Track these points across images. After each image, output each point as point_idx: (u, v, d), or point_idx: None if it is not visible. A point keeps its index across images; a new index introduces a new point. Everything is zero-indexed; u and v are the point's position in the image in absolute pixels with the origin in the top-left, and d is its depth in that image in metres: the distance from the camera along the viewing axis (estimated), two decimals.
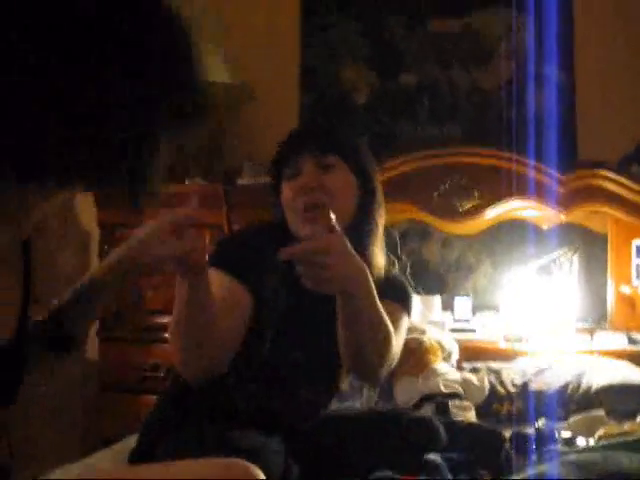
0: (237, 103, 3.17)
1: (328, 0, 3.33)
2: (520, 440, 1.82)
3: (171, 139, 0.96)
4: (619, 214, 2.75)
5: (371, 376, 1.68)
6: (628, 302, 2.83)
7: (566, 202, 2.74)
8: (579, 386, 2.33)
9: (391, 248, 1.87)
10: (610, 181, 2.71)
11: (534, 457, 1.75)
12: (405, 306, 1.76)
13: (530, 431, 1.91)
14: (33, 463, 1.56)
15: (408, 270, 2.95)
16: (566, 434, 1.92)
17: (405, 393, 2.31)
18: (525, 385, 2.35)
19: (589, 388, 2.31)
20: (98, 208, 2.77)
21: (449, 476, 1.56)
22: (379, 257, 1.72)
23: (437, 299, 2.96)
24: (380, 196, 1.74)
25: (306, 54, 3.34)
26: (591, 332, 2.76)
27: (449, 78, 3.22)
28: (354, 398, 2.32)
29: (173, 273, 1.34)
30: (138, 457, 1.56)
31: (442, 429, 1.64)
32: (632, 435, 1.81)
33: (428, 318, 2.83)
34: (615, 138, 2.93)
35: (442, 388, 2.28)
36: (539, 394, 2.31)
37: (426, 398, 2.27)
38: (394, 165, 2.77)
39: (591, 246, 2.97)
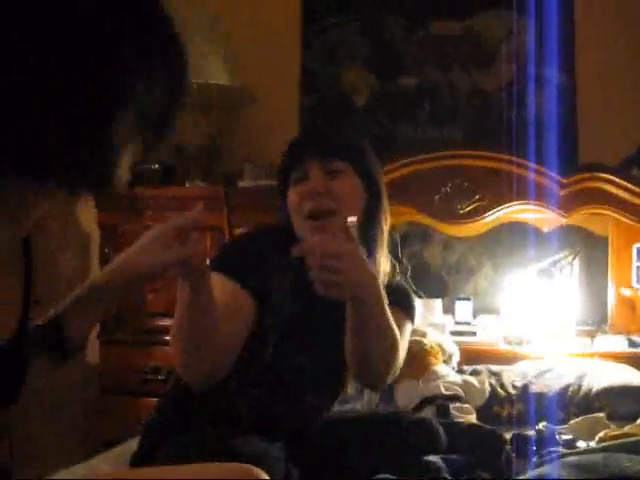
0: (237, 105, 3.17)
1: (328, 2, 3.33)
2: (521, 442, 1.82)
3: (142, 140, 0.96)
4: (620, 217, 2.75)
5: (376, 383, 1.69)
6: (629, 305, 2.83)
7: (567, 205, 2.74)
8: (580, 388, 2.33)
9: (392, 251, 1.87)
10: (611, 184, 2.71)
11: (535, 459, 1.74)
12: (409, 314, 1.76)
13: (531, 433, 1.91)
14: (34, 464, 1.56)
15: (409, 273, 2.95)
16: (567, 436, 1.92)
17: (406, 395, 2.31)
18: (526, 387, 2.35)
19: (590, 390, 2.30)
20: (98, 210, 2.78)
21: (450, 478, 1.56)
22: (384, 263, 1.72)
23: (438, 302, 2.96)
24: (385, 200, 1.74)
25: (306, 56, 3.34)
26: (591, 335, 2.77)
27: (449, 80, 3.22)
28: (355, 400, 2.32)
29: (175, 277, 1.33)
30: (139, 460, 1.56)
31: (442, 431, 1.64)
32: (633, 437, 1.81)
33: (429, 321, 2.83)
34: (616, 141, 2.93)
35: (443, 390, 2.27)
36: (540, 396, 2.31)
37: (427, 400, 2.26)
38: (394, 167, 2.77)
39: (592, 249, 2.96)
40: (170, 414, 1.58)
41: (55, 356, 1.21)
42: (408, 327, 1.75)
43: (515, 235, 2.98)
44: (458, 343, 2.63)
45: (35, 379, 1.13)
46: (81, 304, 1.25)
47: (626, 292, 2.81)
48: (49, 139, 0.85)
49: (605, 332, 2.78)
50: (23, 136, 0.84)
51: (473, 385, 2.34)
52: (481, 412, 2.26)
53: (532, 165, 2.72)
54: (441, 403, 2.21)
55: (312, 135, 1.81)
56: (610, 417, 2.09)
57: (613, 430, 1.94)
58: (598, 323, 2.87)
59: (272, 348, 1.59)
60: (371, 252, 1.66)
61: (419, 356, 2.39)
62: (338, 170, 1.65)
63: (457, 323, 2.94)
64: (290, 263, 1.61)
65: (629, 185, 2.69)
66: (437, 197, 2.82)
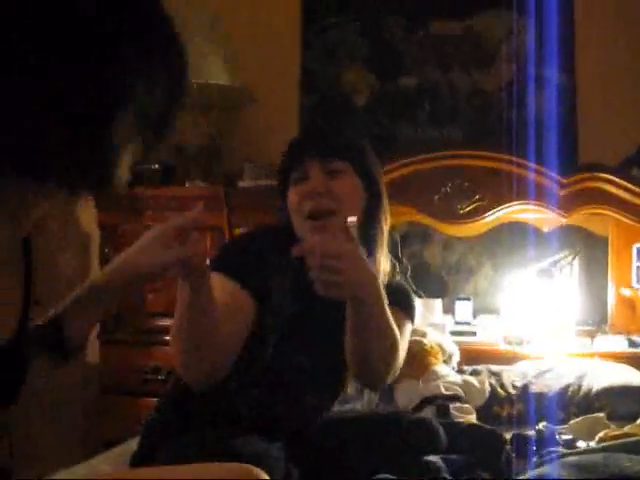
0: (237, 105, 3.17)
1: (328, 2, 3.33)
2: (520, 442, 1.82)
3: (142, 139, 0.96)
4: (620, 217, 2.75)
5: (376, 383, 1.69)
6: (629, 305, 2.83)
7: (567, 205, 2.74)
8: (580, 388, 2.33)
9: (392, 251, 1.86)
10: (611, 184, 2.71)
11: (534, 459, 1.74)
12: (409, 314, 1.76)
13: (531, 433, 1.91)
14: (34, 464, 1.56)
15: (409, 273, 2.95)
16: (567, 436, 1.92)
17: (406, 395, 2.31)
18: (525, 387, 2.35)
19: (590, 390, 2.30)
20: (98, 210, 2.78)
21: (449, 478, 1.56)
22: (384, 263, 1.72)
23: (438, 302, 2.96)
24: (385, 200, 1.74)
25: (306, 56, 3.34)
26: (591, 335, 2.77)
27: (449, 80, 3.22)
28: (355, 400, 2.32)
29: (175, 277, 1.33)
30: (139, 460, 1.56)
31: (442, 431, 1.64)
32: (633, 437, 1.81)
33: (429, 321, 2.83)
34: (616, 141, 2.93)
35: (443, 390, 2.27)
36: (540, 396, 2.31)
37: (427, 400, 2.26)
38: (394, 167, 2.77)
39: (592, 249, 2.97)
40: (170, 414, 1.58)
41: (55, 356, 1.21)
42: (408, 327, 1.75)
43: (515, 235, 2.98)
44: (458, 343, 2.63)
45: (35, 379, 1.13)
46: (81, 304, 1.24)
47: (626, 292, 2.81)
48: (49, 139, 0.85)
49: (605, 332, 2.78)
50: (23, 136, 0.84)
51: (473, 385, 2.34)
52: (481, 412, 2.26)
53: (532, 165, 2.72)
54: (441, 403, 2.21)
55: (312, 135, 1.81)
56: (610, 417, 2.10)
57: (613, 430, 1.94)
58: (598, 323, 2.87)
59: (272, 348, 1.59)
60: (371, 252, 1.66)
61: (419, 356, 2.39)
62: (338, 170, 1.65)
63: (457, 323, 2.94)
64: (290, 263, 1.61)
65: (629, 185, 2.69)
66: (437, 197, 2.82)
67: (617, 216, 2.75)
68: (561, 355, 2.60)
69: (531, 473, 1.61)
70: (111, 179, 0.93)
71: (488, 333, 2.83)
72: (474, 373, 2.46)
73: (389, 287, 1.66)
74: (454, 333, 2.82)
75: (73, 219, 1.41)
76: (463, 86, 3.20)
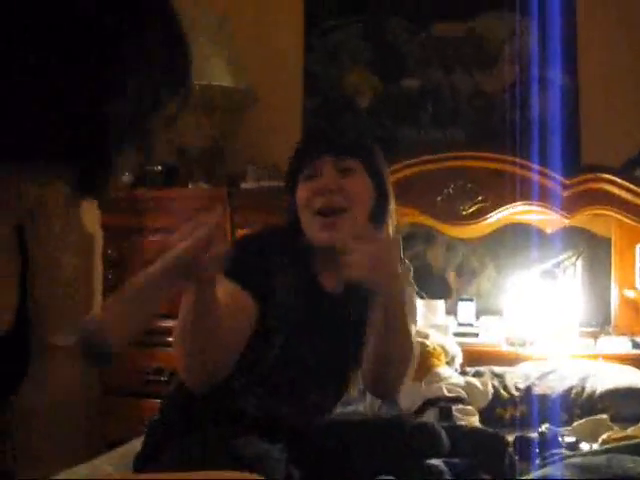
0: (240, 107, 3.17)
1: (330, 5, 3.34)
2: (524, 444, 1.81)
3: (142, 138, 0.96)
4: (623, 218, 2.74)
5: (388, 392, 1.71)
6: (632, 306, 2.82)
7: (570, 206, 2.74)
8: (583, 390, 2.32)
9: None
10: (614, 185, 2.71)
11: (537, 461, 1.74)
12: (413, 318, 1.77)
13: (534, 435, 1.91)
14: (37, 466, 1.56)
15: (411, 274, 2.94)
16: (570, 438, 1.92)
17: (408, 397, 2.30)
18: (529, 389, 2.35)
19: (593, 392, 2.30)
20: (101, 211, 2.78)
21: None
22: None
23: (440, 303, 2.96)
24: (392, 200, 1.74)
25: (309, 59, 3.35)
26: (595, 336, 2.76)
27: (452, 82, 3.22)
28: (358, 402, 2.32)
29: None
30: (142, 462, 1.56)
31: (444, 434, 1.63)
32: (636, 439, 1.81)
33: (431, 322, 2.83)
34: (619, 142, 2.93)
35: (445, 392, 2.27)
36: (543, 398, 2.30)
37: (429, 402, 2.26)
38: (397, 169, 2.77)
39: (595, 250, 2.96)
40: (173, 415, 1.58)
41: (91, 361, 1.21)
42: (413, 330, 1.76)
43: (518, 236, 2.98)
44: (461, 344, 2.63)
45: (38, 375, 1.14)
46: (122, 306, 1.25)
47: (630, 293, 2.81)
48: (46, 129, 0.85)
49: (608, 333, 2.78)
50: (19, 127, 0.84)
51: (476, 387, 2.33)
52: (484, 414, 2.26)
53: (535, 166, 2.72)
54: (444, 405, 2.20)
55: (326, 133, 1.81)
56: (613, 419, 2.09)
57: (616, 432, 1.94)
58: (601, 324, 2.87)
59: (277, 349, 1.59)
60: None
61: (422, 358, 2.39)
62: (350, 168, 1.65)
63: (460, 324, 2.94)
64: (295, 263, 1.61)
65: (632, 186, 2.69)
66: (440, 198, 2.82)
67: (620, 217, 2.75)
68: (564, 356, 2.60)
69: (534, 474, 1.61)
70: (110, 179, 0.93)
71: (491, 334, 2.83)
72: (477, 375, 2.46)
73: None
74: (457, 334, 2.81)
75: (76, 220, 1.41)
76: (465, 88, 3.20)
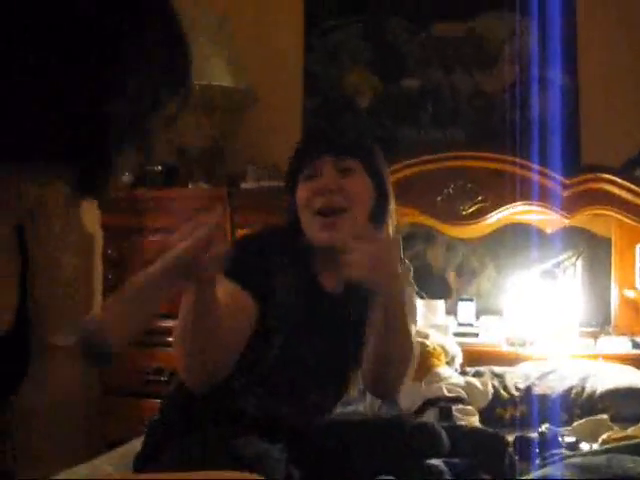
0: (240, 107, 3.17)
1: (330, 5, 3.34)
2: (524, 444, 1.81)
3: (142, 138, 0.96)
4: (623, 218, 2.75)
5: (388, 392, 1.71)
6: (632, 306, 2.82)
7: (570, 206, 2.74)
8: (583, 390, 2.32)
9: None
10: (614, 185, 2.71)
11: (537, 461, 1.74)
12: (413, 318, 1.78)
13: (534, 435, 1.91)
14: (37, 466, 1.56)
15: (411, 274, 2.94)
16: (570, 438, 1.92)
17: (408, 397, 2.30)
18: (529, 389, 2.35)
19: (593, 392, 2.30)
20: (101, 211, 2.78)
21: None
22: None
23: (440, 303, 2.96)
24: (392, 201, 1.74)
25: (308, 59, 3.35)
26: (595, 336, 2.76)
27: (452, 82, 3.22)
28: (357, 402, 2.32)
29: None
30: (143, 462, 1.56)
31: (444, 435, 1.63)
32: (636, 439, 1.81)
33: (431, 322, 2.83)
34: (619, 142, 2.93)
35: (445, 392, 2.27)
36: (543, 398, 2.30)
37: (429, 402, 2.26)
38: (397, 169, 2.77)
39: (595, 250, 2.96)
40: (173, 415, 1.59)
41: (91, 361, 1.21)
42: (412, 329, 1.76)
43: (518, 236, 2.98)
44: (461, 344, 2.63)
45: (38, 375, 1.14)
46: (122, 306, 1.25)
47: (630, 294, 2.81)
48: (48, 135, 0.85)
49: (608, 333, 2.78)
50: (19, 126, 0.84)
51: (476, 387, 2.33)
52: (484, 414, 2.26)
53: (535, 166, 2.72)
54: (444, 405, 2.20)
55: (326, 133, 1.81)
56: (613, 419, 2.09)
57: (616, 432, 1.94)
58: (601, 324, 2.87)
59: (277, 349, 1.59)
60: None
61: (422, 358, 2.39)
62: (350, 168, 1.65)
63: (460, 324, 2.93)
64: (295, 263, 1.61)
65: (632, 186, 2.69)
66: (440, 198, 2.82)
67: (620, 217, 2.75)
68: (564, 356, 2.60)
69: (534, 474, 1.61)
70: (109, 178, 0.93)
71: (490, 334, 2.83)
72: (477, 375, 2.46)
73: None
74: (457, 334, 2.81)
75: (76, 220, 1.41)
76: (465, 88, 3.20)
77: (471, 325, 2.92)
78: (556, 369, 2.45)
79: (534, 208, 2.78)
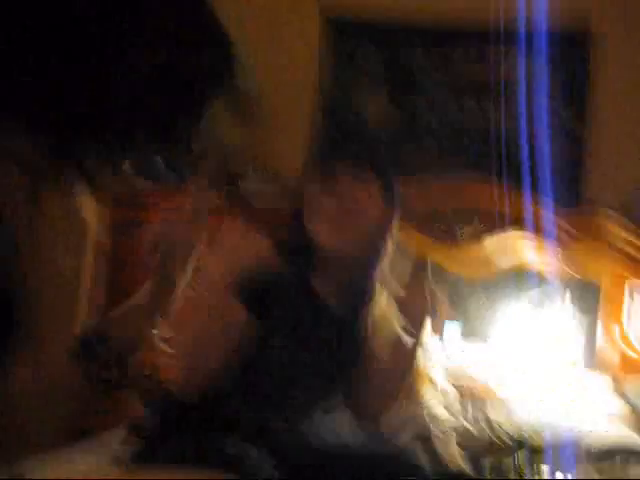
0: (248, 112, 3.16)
1: (347, 28, 3.33)
2: None
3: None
4: (617, 255, 2.76)
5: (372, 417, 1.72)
6: (617, 344, 2.83)
7: (566, 238, 2.75)
8: (574, 440, 2.29)
9: None
10: (611, 221, 2.72)
11: None
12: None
13: None
14: (18, 452, 1.56)
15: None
16: None
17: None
18: (523, 438, 2.32)
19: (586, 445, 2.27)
20: (99, 206, 2.77)
21: None
22: (387, 277, 1.74)
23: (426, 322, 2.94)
24: (397, 215, 1.75)
25: (322, 74, 3.34)
26: (581, 371, 2.76)
27: (460, 108, 3.23)
28: (339, 410, 2.32)
29: None
30: (138, 460, 1.56)
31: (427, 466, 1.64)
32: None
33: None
34: (620, 180, 2.95)
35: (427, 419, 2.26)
36: (532, 444, 2.28)
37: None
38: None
39: (584, 284, 2.96)
40: (165, 415, 1.59)
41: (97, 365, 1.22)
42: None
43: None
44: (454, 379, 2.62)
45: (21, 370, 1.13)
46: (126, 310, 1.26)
47: (616, 328, 2.80)
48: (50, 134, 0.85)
49: (593, 369, 2.77)
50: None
51: (467, 430, 2.32)
52: (475, 461, 2.24)
53: (535, 198, 2.73)
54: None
55: (344, 141, 1.84)
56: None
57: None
58: (587, 359, 2.86)
59: (267, 354, 1.60)
60: (375, 266, 1.68)
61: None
62: (366, 179, 1.67)
63: (445, 346, 2.92)
64: (289, 268, 1.63)
65: (629, 224, 2.70)
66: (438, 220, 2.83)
67: (615, 254, 2.75)
68: (549, 390, 2.57)
69: None
70: (113, 174, 0.93)
71: (476, 361, 2.81)
72: (469, 415, 2.44)
73: None
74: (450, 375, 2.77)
75: (73, 216, 1.40)
76: (472, 114, 3.21)
77: (456, 347, 2.91)
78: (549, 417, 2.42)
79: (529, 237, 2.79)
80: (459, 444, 2.24)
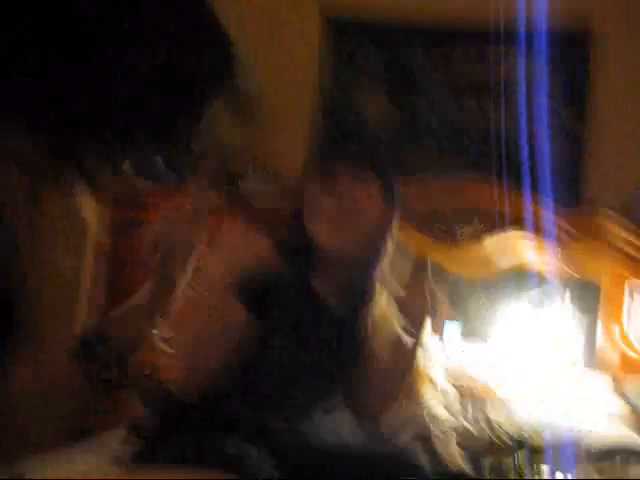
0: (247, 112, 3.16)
1: (347, 29, 3.33)
2: None
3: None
4: (617, 254, 2.76)
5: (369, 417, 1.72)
6: (617, 344, 2.83)
7: (566, 238, 2.75)
8: (575, 440, 2.29)
9: None
10: (611, 221, 2.72)
11: None
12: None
13: None
14: (18, 452, 1.56)
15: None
16: None
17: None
18: (522, 438, 2.32)
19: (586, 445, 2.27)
20: (99, 206, 2.77)
21: None
22: (387, 277, 1.74)
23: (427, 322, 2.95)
24: (398, 215, 1.76)
25: (322, 74, 3.34)
26: (581, 371, 2.76)
27: (460, 108, 3.23)
28: (339, 410, 2.32)
29: None
30: (138, 460, 1.57)
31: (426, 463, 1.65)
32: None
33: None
34: (620, 180, 2.95)
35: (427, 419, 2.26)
36: (537, 448, 2.28)
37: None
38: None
39: (584, 283, 2.97)
40: (165, 414, 1.60)
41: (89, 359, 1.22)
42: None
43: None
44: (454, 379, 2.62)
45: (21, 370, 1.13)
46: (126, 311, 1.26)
47: (615, 328, 2.81)
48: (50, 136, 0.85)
49: (594, 369, 2.78)
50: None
51: (467, 430, 2.32)
52: (475, 461, 2.24)
53: (535, 197, 2.73)
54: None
55: (344, 141, 1.85)
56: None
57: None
58: (588, 358, 2.86)
59: (267, 354, 1.61)
60: (375, 266, 1.68)
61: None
62: (366, 179, 1.67)
63: (445, 346, 2.92)
64: (290, 268, 1.63)
65: (629, 224, 2.71)
66: (438, 220, 2.83)
67: (615, 253, 2.76)
68: (549, 391, 2.57)
69: None
70: (112, 174, 0.93)
71: (476, 361, 2.81)
72: (469, 415, 2.44)
73: None
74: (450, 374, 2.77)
75: (73, 216, 1.40)
76: (473, 115, 3.21)
77: (456, 347, 2.91)
78: (545, 415, 2.42)
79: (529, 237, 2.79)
80: (459, 444, 2.24)
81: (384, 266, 1.70)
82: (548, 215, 2.74)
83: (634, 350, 2.77)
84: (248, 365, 1.58)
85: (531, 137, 3.00)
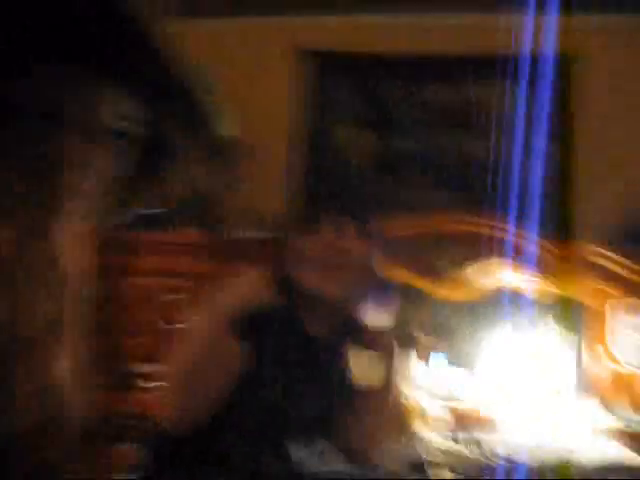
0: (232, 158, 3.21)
1: (325, 61, 3.40)
2: None
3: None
4: (600, 274, 2.79)
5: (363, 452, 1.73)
6: (603, 367, 2.85)
7: (549, 259, 2.78)
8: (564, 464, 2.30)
9: None
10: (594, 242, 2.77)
11: None
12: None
13: None
14: None
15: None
16: None
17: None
18: (513, 461, 2.33)
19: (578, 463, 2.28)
20: (86, 250, 2.79)
21: None
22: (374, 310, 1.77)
23: (412, 354, 2.95)
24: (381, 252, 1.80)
25: (302, 112, 3.40)
26: (569, 390, 2.78)
27: (441, 143, 3.28)
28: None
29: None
30: None
31: None
32: None
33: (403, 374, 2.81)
34: (607, 211, 3.00)
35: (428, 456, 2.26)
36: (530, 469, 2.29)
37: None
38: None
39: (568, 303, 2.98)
40: (159, 451, 1.61)
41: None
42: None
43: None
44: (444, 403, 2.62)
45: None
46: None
47: (600, 350, 2.83)
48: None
49: (580, 393, 2.79)
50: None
51: (461, 454, 2.32)
52: None
53: (520, 230, 2.77)
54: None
55: (328, 191, 1.88)
56: None
57: None
58: (576, 378, 2.87)
59: (260, 392, 1.62)
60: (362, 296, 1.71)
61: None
62: (351, 227, 1.71)
63: (431, 377, 2.92)
64: (282, 306, 1.66)
65: (614, 256, 2.74)
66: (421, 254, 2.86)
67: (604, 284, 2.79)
68: (538, 417, 2.59)
69: None
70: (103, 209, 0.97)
71: (463, 389, 2.82)
72: (460, 439, 2.45)
73: None
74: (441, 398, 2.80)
75: (52, 264, 1.42)
76: (453, 149, 3.26)
77: (443, 377, 2.91)
78: (535, 439, 2.43)
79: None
80: (452, 468, 2.25)
81: (370, 300, 1.74)
82: (531, 237, 2.78)
83: (620, 367, 2.79)
84: (241, 399, 1.59)
85: (511, 165, 3.04)
